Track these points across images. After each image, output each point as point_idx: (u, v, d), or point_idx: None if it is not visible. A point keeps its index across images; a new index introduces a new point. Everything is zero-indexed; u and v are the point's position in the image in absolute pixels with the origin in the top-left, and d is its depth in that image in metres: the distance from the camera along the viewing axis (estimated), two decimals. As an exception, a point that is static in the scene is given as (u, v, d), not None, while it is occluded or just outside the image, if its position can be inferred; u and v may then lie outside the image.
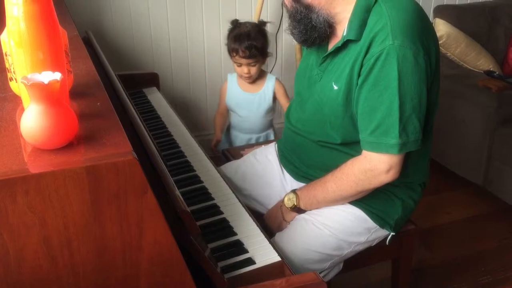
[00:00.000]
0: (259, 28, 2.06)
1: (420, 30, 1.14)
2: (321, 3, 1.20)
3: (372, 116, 1.17)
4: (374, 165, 1.19)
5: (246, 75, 2.08)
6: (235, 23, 2.10)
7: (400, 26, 1.12)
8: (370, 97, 1.16)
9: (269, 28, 2.21)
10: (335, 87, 1.25)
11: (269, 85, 2.16)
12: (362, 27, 1.17)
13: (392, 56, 1.11)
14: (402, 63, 1.11)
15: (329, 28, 1.24)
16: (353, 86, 1.20)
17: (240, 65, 2.07)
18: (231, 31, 2.08)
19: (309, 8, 1.22)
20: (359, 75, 1.18)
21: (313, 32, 1.24)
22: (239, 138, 2.25)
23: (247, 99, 2.18)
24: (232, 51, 2.05)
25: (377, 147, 1.18)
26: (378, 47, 1.13)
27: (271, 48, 2.62)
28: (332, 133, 1.30)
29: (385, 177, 1.20)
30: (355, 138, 1.25)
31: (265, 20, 2.21)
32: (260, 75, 2.16)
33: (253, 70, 2.07)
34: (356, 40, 1.18)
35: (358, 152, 1.24)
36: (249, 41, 2.00)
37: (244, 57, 2.03)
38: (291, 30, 1.29)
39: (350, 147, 1.29)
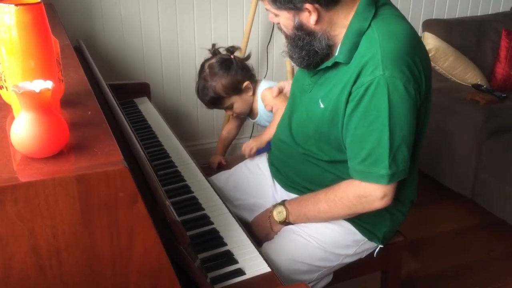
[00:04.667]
0: (218, 70, 1.68)
1: (411, 57, 1.13)
2: (323, 28, 1.19)
3: (362, 145, 1.17)
4: (369, 192, 1.20)
5: (234, 115, 1.84)
6: (205, 60, 1.75)
7: (391, 56, 1.11)
8: (360, 126, 1.16)
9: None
10: (322, 105, 1.25)
11: (261, 105, 1.80)
12: (352, 51, 1.17)
13: (382, 87, 1.11)
14: (392, 94, 1.11)
15: (329, 50, 1.24)
16: (339, 110, 1.20)
17: None
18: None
19: (312, 34, 1.20)
20: (347, 102, 1.18)
21: (315, 57, 1.24)
22: None
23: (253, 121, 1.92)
24: None
25: (366, 177, 1.18)
26: (368, 77, 1.12)
27: (261, 59, 2.65)
28: (317, 150, 1.30)
29: (379, 204, 1.21)
30: (341, 158, 1.25)
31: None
32: (254, 99, 1.81)
33: (236, 110, 1.77)
34: (345, 63, 1.18)
35: (344, 173, 1.25)
36: (206, 91, 1.71)
37: (212, 109, 1.80)
38: (290, 55, 1.27)
39: (336, 166, 1.30)
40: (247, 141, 1.73)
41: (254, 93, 1.77)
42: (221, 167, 1.94)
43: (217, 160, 1.98)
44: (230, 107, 1.75)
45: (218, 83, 1.68)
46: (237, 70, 1.70)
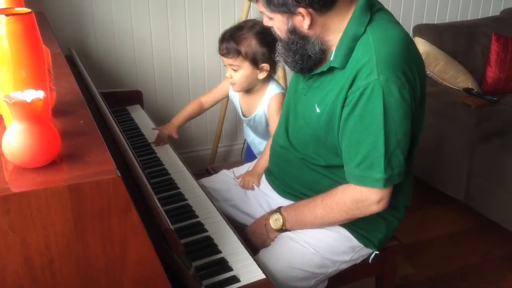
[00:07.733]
0: (261, 31, 1.57)
1: (406, 63, 1.14)
2: (316, 32, 1.20)
3: (358, 149, 1.17)
4: (366, 196, 1.20)
5: (230, 80, 1.66)
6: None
7: (386, 60, 1.12)
8: (356, 130, 1.17)
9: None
10: (318, 110, 1.25)
11: (264, 106, 1.70)
12: (347, 56, 1.18)
13: (377, 91, 1.11)
14: (388, 99, 1.12)
15: (322, 54, 1.24)
16: (335, 115, 1.21)
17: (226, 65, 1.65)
18: None
19: (305, 38, 1.20)
20: (343, 106, 1.18)
21: (309, 61, 1.24)
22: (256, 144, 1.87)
23: (244, 120, 1.82)
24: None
25: (362, 181, 1.19)
26: (363, 81, 1.13)
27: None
28: (314, 155, 1.31)
29: (376, 208, 1.21)
30: (338, 162, 1.26)
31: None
32: (257, 92, 1.70)
33: (236, 77, 1.61)
34: (341, 68, 1.19)
35: (341, 178, 1.25)
36: (234, 34, 1.58)
37: (222, 54, 1.60)
38: (284, 59, 1.28)
39: (333, 171, 1.30)
40: (241, 169, 1.67)
41: (263, 82, 1.67)
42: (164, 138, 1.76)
43: (171, 132, 1.79)
44: (235, 69, 1.60)
45: (248, 39, 1.57)
46: (272, 50, 1.51)
